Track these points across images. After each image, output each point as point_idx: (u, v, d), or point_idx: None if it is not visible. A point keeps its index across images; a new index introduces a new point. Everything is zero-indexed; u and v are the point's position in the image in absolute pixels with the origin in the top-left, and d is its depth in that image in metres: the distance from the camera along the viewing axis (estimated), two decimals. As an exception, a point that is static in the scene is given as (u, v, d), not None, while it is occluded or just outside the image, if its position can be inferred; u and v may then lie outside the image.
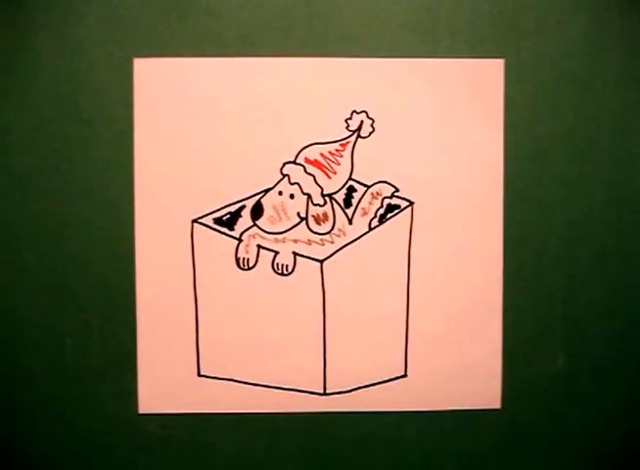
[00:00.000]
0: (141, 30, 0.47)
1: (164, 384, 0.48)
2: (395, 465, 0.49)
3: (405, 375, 0.49)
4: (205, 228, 0.48)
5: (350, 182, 0.48)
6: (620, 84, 0.48)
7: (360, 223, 0.48)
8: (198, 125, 0.47)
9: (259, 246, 0.48)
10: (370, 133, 0.47)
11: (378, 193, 0.48)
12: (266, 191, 0.47)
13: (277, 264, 0.48)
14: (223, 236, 0.48)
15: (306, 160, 0.47)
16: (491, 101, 0.48)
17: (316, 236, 0.48)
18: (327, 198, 0.48)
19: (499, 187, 0.48)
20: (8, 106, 0.47)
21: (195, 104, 0.47)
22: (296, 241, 0.48)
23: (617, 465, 0.49)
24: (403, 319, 0.48)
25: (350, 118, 0.47)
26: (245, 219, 0.48)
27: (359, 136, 0.47)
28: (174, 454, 0.48)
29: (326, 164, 0.47)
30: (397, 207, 0.48)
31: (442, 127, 0.48)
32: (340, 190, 0.48)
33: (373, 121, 0.47)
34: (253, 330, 0.48)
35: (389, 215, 0.48)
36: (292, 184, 0.47)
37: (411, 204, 0.48)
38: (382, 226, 0.48)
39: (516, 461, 0.50)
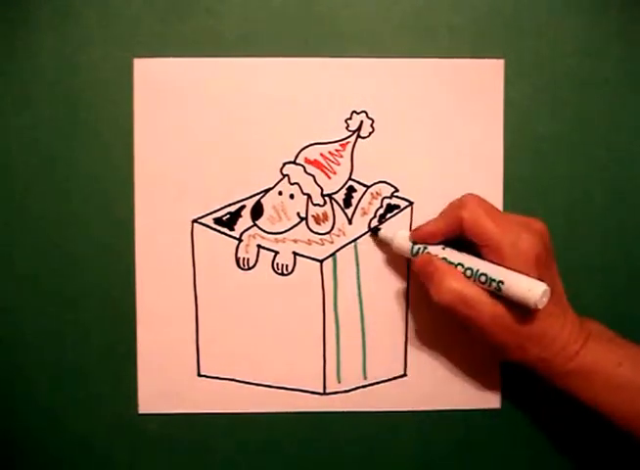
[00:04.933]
0: (141, 30, 0.47)
1: (164, 384, 0.48)
2: (395, 465, 0.49)
3: (405, 375, 0.49)
4: (205, 228, 0.48)
5: (350, 182, 0.48)
6: (620, 84, 0.48)
7: (360, 223, 0.48)
8: (198, 125, 0.47)
9: (259, 246, 0.48)
10: (370, 133, 0.47)
11: (377, 193, 0.48)
12: (266, 191, 0.48)
13: (277, 264, 0.48)
14: (223, 236, 0.48)
15: (306, 160, 0.47)
16: (491, 101, 0.48)
17: (316, 236, 0.48)
18: (327, 198, 0.48)
19: (499, 187, 0.48)
20: (8, 106, 0.47)
21: (195, 104, 0.47)
22: (295, 241, 0.48)
23: (618, 465, 0.49)
24: (403, 319, 0.48)
25: (350, 119, 0.47)
26: (245, 219, 0.48)
27: (359, 136, 0.47)
28: (174, 454, 0.49)
29: (326, 165, 0.47)
30: (397, 207, 0.48)
31: (442, 127, 0.48)
32: (339, 190, 0.48)
33: (373, 122, 0.47)
34: (253, 330, 0.48)
35: (389, 215, 0.48)
36: (292, 184, 0.47)
37: (411, 204, 0.48)
38: (381, 226, 0.48)
39: (516, 461, 0.50)
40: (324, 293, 0.48)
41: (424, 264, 0.43)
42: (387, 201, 0.48)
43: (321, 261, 0.48)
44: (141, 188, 0.47)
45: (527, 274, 0.40)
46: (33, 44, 0.47)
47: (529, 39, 0.48)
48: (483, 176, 0.48)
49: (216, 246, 0.48)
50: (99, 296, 0.48)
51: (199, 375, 0.48)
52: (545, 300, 0.39)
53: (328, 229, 0.48)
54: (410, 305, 0.48)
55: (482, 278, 0.40)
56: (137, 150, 0.47)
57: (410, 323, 0.48)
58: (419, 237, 0.44)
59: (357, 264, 0.48)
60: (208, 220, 0.48)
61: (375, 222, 0.48)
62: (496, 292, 0.40)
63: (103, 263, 0.47)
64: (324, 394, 0.48)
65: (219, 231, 0.48)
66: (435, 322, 0.48)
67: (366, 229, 0.48)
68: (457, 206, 0.43)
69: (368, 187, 0.48)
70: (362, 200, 0.48)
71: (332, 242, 0.48)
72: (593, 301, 0.49)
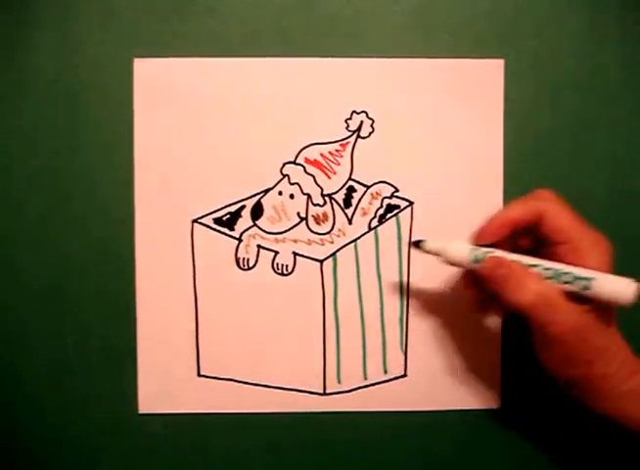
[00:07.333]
0: (141, 30, 0.47)
1: (164, 384, 0.48)
2: (395, 465, 0.49)
3: (405, 375, 0.49)
4: (205, 228, 0.48)
5: (350, 182, 0.48)
6: (620, 84, 0.48)
7: (360, 223, 0.48)
8: (198, 125, 0.47)
9: (259, 246, 0.48)
10: (370, 133, 0.47)
11: (377, 193, 0.48)
12: (266, 191, 0.48)
13: (277, 264, 0.48)
14: (223, 236, 0.48)
15: (306, 160, 0.47)
16: (491, 101, 0.48)
17: (316, 236, 0.48)
18: (327, 198, 0.48)
19: (499, 187, 0.48)
20: (7, 106, 0.47)
21: (195, 104, 0.47)
22: (295, 241, 0.48)
23: (617, 464, 0.49)
24: (403, 319, 0.48)
25: (350, 119, 0.47)
26: (245, 219, 0.48)
27: (359, 136, 0.47)
28: (174, 454, 0.48)
29: (326, 165, 0.47)
30: (397, 207, 0.48)
31: (442, 127, 0.48)
32: (339, 190, 0.48)
33: (373, 122, 0.47)
34: (253, 330, 0.48)
35: (389, 215, 0.48)
36: (292, 184, 0.47)
37: (411, 204, 0.48)
38: (381, 226, 0.48)
39: (516, 461, 0.50)
40: (324, 293, 0.48)
41: (495, 267, 0.38)
42: (387, 201, 0.48)
43: (321, 262, 0.48)
44: (141, 188, 0.47)
45: None
46: (33, 44, 0.47)
47: (529, 39, 0.48)
48: (483, 176, 0.48)
49: (216, 246, 0.48)
50: (99, 295, 0.48)
51: (199, 375, 0.48)
52: (634, 297, 0.36)
53: (328, 229, 0.48)
54: (410, 304, 0.48)
55: (567, 277, 0.36)
56: (137, 150, 0.47)
57: (410, 323, 0.48)
58: (490, 228, 0.40)
59: (357, 264, 0.48)
60: (208, 220, 0.48)
61: (375, 222, 0.48)
62: (581, 292, 0.37)
63: (103, 263, 0.47)
64: (324, 394, 0.48)
65: (219, 231, 0.48)
66: (435, 322, 0.48)
67: (366, 229, 0.48)
68: (535, 198, 0.40)
69: (368, 187, 0.48)
70: (362, 200, 0.48)
71: (332, 242, 0.48)
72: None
